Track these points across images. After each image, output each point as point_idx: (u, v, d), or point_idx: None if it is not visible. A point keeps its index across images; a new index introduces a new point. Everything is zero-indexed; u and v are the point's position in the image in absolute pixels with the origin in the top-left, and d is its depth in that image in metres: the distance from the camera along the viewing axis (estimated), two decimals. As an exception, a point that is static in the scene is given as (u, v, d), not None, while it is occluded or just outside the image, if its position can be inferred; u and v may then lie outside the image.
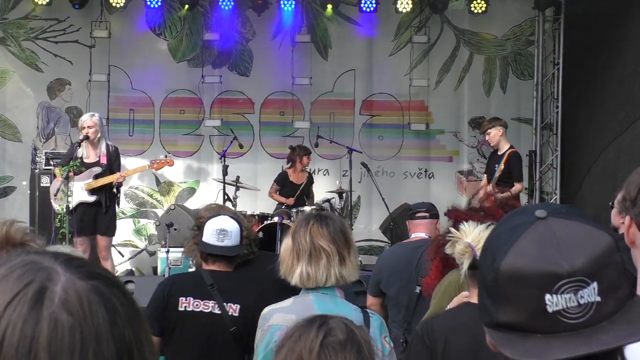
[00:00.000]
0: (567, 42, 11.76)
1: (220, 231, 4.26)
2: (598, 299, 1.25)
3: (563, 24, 11.77)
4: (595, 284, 1.25)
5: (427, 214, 5.60)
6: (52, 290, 0.99)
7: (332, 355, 2.12)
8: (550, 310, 1.25)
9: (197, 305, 4.15)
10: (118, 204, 9.32)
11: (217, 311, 4.13)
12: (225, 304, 4.12)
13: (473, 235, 3.02)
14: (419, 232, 5.55)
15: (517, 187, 9.38)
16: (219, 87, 12.03)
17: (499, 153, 9.51)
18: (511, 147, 9.56)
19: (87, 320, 0.98)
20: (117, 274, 9.59)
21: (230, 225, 4.29)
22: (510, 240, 1.31)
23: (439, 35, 12.13)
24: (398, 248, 5.85)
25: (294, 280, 3.27)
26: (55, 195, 8.84)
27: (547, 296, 1.25)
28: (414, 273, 5.18)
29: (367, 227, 12.03)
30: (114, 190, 8.82)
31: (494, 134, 9.43)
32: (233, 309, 4.13)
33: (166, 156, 9.27)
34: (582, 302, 1.25)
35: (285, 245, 3.33)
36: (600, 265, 1.27)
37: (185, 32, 12.00)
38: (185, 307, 4.16)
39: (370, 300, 5.74)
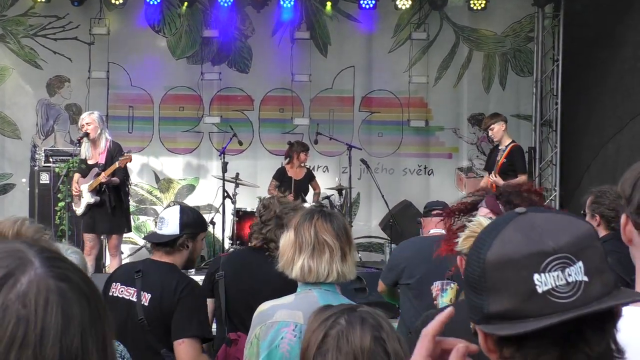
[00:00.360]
0: (567, 38, 11.76)
1: (160, 219, 4.30)
2: (585, 278, 1.27)
3: (562, 20, 11.77)
4: (580, 263, 1.27)
5: (442, 212, 5.66)
6: (17, 279, 1.00)
7: (382, 348, 2.12)
8: (540, 290, 1.26)
9: (122, 291, 4.18)
10: (127, 199, 9.17)
11: (134, 299, 4.13)
12: (142, 292, 4.12)
13: None
14: (437, 228, 5.62)
15: (521, 178, 9.31)
16: (218, 84, 12.02)
17: (500, 148, 9.49)
18: (513, 141, 9.56)
19: (38, 318, 0.98)
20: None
21: (170, 214, 4.29)
22: (493, 234, 1.33)
23: (438, 32, 12.13)
24: (420, 240, 5.87)
25: (294, 273, 3.24)
26: (56, 192, 8.84)
27: (536, 276, 1.26)
28: (441, 266, 5.21)
29: (367, 223, 12.04)
30: (104, 187, 8.67)
31: (497, 129, 9.40)
32: (145, 298, 4.12)
33: (129, 152, 9.10)
34: (570, 280, 1.26)
35: (287, 239, 3.29)
36: (583, 245, 1.29)
37: (185, 29, 12.00)
38: (112, 292, 4.20)
39: (382, 286, 5.79)
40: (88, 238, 8.68)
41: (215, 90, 12.05)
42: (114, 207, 8.66)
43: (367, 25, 12.05)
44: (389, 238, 10.80)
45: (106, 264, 9.31)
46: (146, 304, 4.09)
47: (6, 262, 1.02)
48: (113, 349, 1.08)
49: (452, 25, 12.14)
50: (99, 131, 8.64)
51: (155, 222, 10.65)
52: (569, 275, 1.27)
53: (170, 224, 4.23)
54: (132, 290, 4.15)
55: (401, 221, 10.64)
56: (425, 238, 5.73)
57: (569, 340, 1.28)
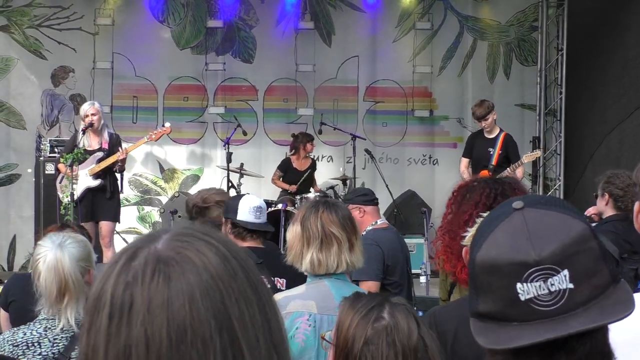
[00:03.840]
0: (571, 27, 11.74)
1: (257, 209, 4.39)
2: (570, 286, 1.28)
3: (567, 9, 11.75)
4: (565, 272, 1.28)
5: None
6: (134, 255, 1.04)
7: (423, 342, 2.12)
8: (522, 298, 1.28)
9: None
10: (121, 190, 9.30)
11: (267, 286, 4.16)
12: (273, 278, 4.16)
13: None
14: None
15: (520, 169, 9.23)
16: (223, 74, 12.03)
17: (489, 136, 9.31)
18: (501, 129, 9.38)
19: (143, 288, 1.01)
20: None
21: (262, 203, 4.46)
22: (487, 232, 1.35)
23: (443, 21, 12.11)
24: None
25: (304, 266, 3.27)
26: (60, 182, 8.86)
27: (518, 285, 1.28)
28: None
29: (371, 213, 12.02)
30: (116, 174, 8.81)
31: (491, 120, 9.17)
32: (280, 283, 4.18)
33: (164, 125, 9.24)
34: (552, 289, 1.27)
35: (294, 233, 3.31)
36: (571, 252, 1.29)
37: (189, 19, 11.99)
38: None
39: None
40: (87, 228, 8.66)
41: (220, 80, 12.05)
42: (112, 192, 8.75)
43: (371, 15, 12.04)
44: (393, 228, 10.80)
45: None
46: (283, 288, 4.12)
47: (138, 241, 1.07)
48: (256, 320, 1.05)
49: (456, 15, 12.12)
50: (102, 122, 8.82)
51: (160, 213, 10.70)
52: (552, 285, 1.27)
53: (265, 214, 4.44)
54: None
55: (405, 211, 10.65)
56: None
57: (551, 348, 1.28)
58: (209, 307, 1.01)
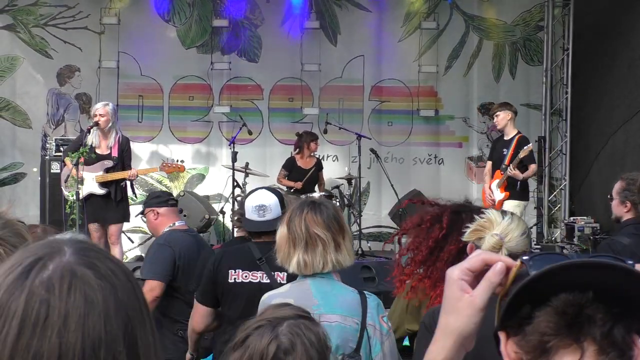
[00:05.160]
0: (577, 27, 11.73)
1: (260, 207, 4.39)
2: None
3: (572, 9, 11.73)
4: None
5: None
6: (45, 265, 1.04)
7: None
8: None
9: (246, 276, 4.23)
10: (134, 192, 9.38)
11: (265, 280, 4.17)
12: (273, 273, 4.17)
13: (502, 227, 2.91)
14: None
15: (532, 167, 9.37)
16: (228, 74, 12.03)
17: (506, 138, 9.47)
18: (519, 132, 9.52)
19: (61, 302, 1.01)
20: (126, 260, 9.62)
21: (268, 199, 4.39)
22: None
23: (448, 21, 12.11)
24: None
25: (292, 268, 3.34)
26: (66, 181, 8.88)
27: None
28: None
29: (376, 213, 12.04)
30: (123, 183, 8.93)
31: (503, 117, 9.36)
32: (281, 277, 4.16)
33: (181, 161, 9.36)
34: None
35: (281, 234, 3.38)
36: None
37: (194, 19, 12.01)
38: (234, 279, 4.23)
39: None
40: (94, 228, 8.80)
41: (225, 79, 12.06)
42: (118, 200, 8.87)
43: (377, 15, 12.04)
44: (398, 227, 10.79)
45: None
46: (283, 281, 4.13)
47: (39, 250, 1.07)
48: (149, 339, 1.10)
49: (461, 15, 12.12)
50: (110, 124, 8.76)
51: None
52: None
53: (274, 209, 4.37)
54: (258, 273, 4.22)
55: (411, 211, 10.63)
56: None
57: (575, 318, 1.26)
58: (120, 324, 1.05)
